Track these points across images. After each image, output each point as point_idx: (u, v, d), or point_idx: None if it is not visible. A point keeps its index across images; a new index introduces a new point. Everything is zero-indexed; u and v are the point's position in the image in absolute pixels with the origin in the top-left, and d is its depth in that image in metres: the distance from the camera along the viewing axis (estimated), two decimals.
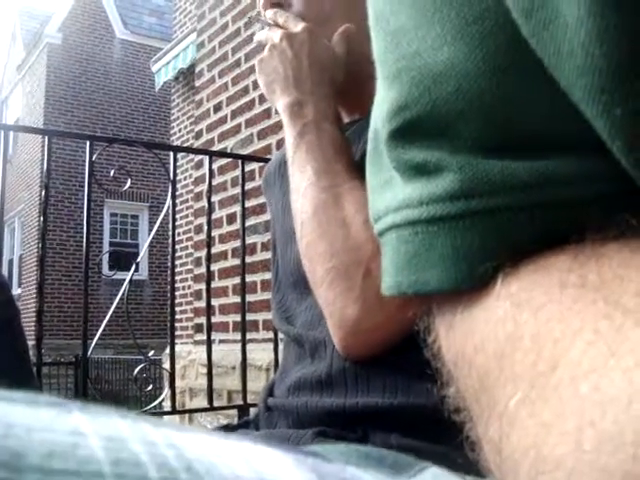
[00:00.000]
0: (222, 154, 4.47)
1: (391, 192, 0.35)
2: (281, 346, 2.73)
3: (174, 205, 2.77)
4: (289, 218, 1.02)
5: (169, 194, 2.75)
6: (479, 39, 0.30)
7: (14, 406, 0.23)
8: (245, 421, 1.06)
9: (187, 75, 8.16)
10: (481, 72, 0.30)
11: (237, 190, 3.44)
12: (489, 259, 0.30)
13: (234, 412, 3.16)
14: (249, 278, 3.65)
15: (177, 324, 3.35)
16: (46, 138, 2.48)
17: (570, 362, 0.24)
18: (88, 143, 2.51)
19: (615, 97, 0.27)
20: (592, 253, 0.27)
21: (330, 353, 0.90)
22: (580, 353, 0.24)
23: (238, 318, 3.23)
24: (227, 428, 1.03)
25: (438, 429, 0.56)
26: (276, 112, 4.31)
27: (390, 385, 0.84)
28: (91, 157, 2.50)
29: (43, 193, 2.49)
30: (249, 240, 3.95)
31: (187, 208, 7.57)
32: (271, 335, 3.23)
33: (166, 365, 3.24)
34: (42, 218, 2.54)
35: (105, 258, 12.09)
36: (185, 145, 7.93)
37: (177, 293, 5.87)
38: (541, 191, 0.29)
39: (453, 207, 0.31)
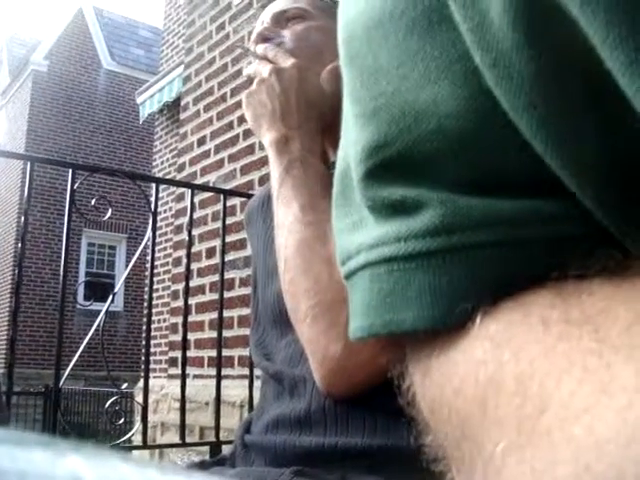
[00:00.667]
0: (204, 188, 4.46)
1: (363, 232, 0.34)
2: (256, 383, 2.71)
3: (154, 237, 2.75)
4: (271, 255, 1.02)
5: (149, 225, 2.74)
6: (463, 78, 0.30)
7: (2, 447, 0.21)
8: (221, 458, 1.05)
9: (171, 108, 8.18)
10: (463, 111, 0.30)
11: (218, 224, 3.43)
12: (468, 297, 0.29)
13: (206, 449, 3.11)
14: (226, 313, 3.62)
15: (151, 357, 3.31)
16: (28, 164, 2.46)
17: (559, 403, 0.23)
18: (70, 171, 2.50)
19: (576, 152, 0.28)
20: (574, 289, 0.27)
21: (310, 391, 0.89)
22: (569, 393, 0.23)
23: (213, 353, 3.20)
24: (202, 465, 1.01)
25: (418, 471, 0.54)
26: (260, 148, 4.32)
27: (369, 425, 0.84)
28: (72, 185, 2.48)
29: (22, 219, 2.46)
30: (227, 275, 3.93)
31: (166, 241, 7.54)
32: (246, 372, 3.20)
33: (139, 398, 3.19)
34: (20, 244, 2.51)
35: (81, 288, 12.00)
36: (167, 178, 7.93)
37: (152, 326, 5.82)
38: (522, 228, 0.29)
39: (433, 242, 0.30)
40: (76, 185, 2.51)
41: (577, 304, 0.26)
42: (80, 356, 2.73)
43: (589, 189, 0.28)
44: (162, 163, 8.69)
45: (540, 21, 0.26)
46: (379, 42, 0.33)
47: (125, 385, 3.43)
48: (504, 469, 0.25)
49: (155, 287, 7.03)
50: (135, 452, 3.11)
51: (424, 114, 0.31)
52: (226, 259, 3.19)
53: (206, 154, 5.02)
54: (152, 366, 5.59)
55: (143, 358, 2.78)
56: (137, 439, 2.87)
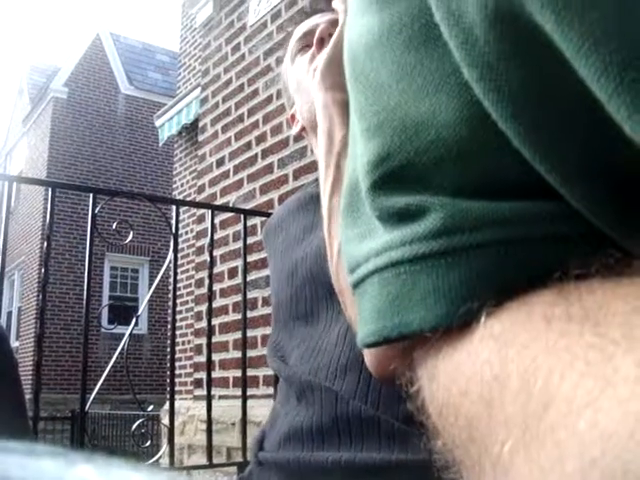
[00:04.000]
0: (224, 208, 4.48)
1: (372, 241, 0.35)
2: None
3: (176, 259, 2.76)
4: (287, 259, 1.02)
5: (171, 247, 2.75)
6: (457, 89, 0.31)
7: (11, 457, 0.21)
8: (240, 478, 1.04)
9: (190, 130, 8.24)
10: (459, 120, 0.31)
11: (239, 244, 3.44)
12: (472, 297, 0.30)
13: (233, 469, 3.11)
14: (250, 333, 3.62)
15: (176, 379, 3.31)
16: (50, 190, 2.48)
17: (563, 398, 0.23)
18: (91, 196, 2.52)
19: (564, 156, 0.29)
20: (575, 287, 0.27)
21: (318, 399, 0.88)
22: (572, 387, 0.23)
23: (238, 373, 3.20)
24: None
25: None
26: (279, 167, 4.33)
27: (386, 438, 0.82)
28: (94, 210, 2.50)
29: (45, 245, 2.48)
30: (250, 295, 3.94)
31: (188, 262, 7.57)
32: (271, 391, 3.20)
33: (165, 421, 3.20)
34: (43, 270, 2.53)
35: (104, 312, 12.05)
36: (187, 199, 7.96)
37: (177, 348, 5.84)
38: (523, 227, 0.30)
39: (435, 244, 0.31)
40: (97, 209, 2.53)
41: (578, 301, 0.27)
42: (105, 380, 2.74)
43: (576, 192, 0.29)
44: (182, 185, 8.73)
45: (522, 35, 0.28)
46: (380, 59, 0.35)
47: (151, 408, 3.44)
48: (512, 469, 0.25)
49: (178, 309, 7.05)
50: None
51: (423, 125, 0.32)
52: (248, 279, 3.20)
53: (225, 175, 5.04)
54: (177, 388, 5.61)
55: (168, 380, 2.78)
56: (164, 461, 2.86)
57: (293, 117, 1.15)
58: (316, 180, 1.20)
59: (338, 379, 0.88)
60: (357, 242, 0.37)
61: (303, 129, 1.11)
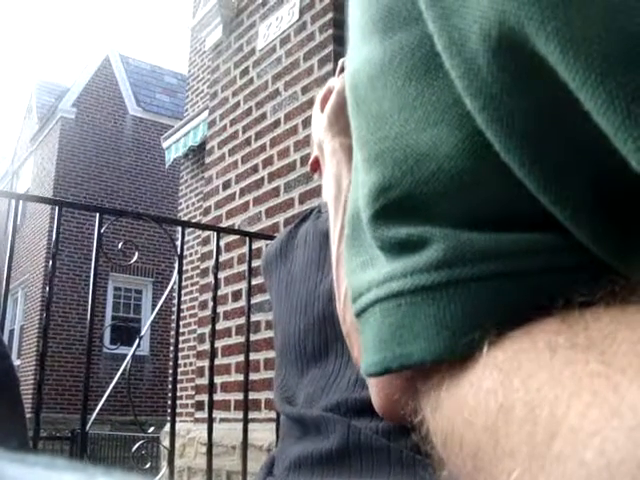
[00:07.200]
0: (230, 231, 4.48)
1: (374, 270, 0.35)
2: None
3: (180, 280, 2.76)
4: (294, 293, 1.02)
5: (176, 269, 2.75)
6: (459, 121, 0.31)
7: (33, 470, 0.21)
8: None
9: (196, 152, 8.27)
10: (461, 152, 0.31)
11: (243, 267, 3.44)
12: (473, 328, 0.30)
13: None
14: (253, 356, 3.61)
15: (177, 401, 3.30)
16: (56, 208, 2.48)
17: (570, 427, 0.23)
18: (97, 215, 2.52)
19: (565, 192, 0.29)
20: (580, 315, 0.27)
21: (332, 428, 0.88)
22: (579, 416, 0.23)
23: (240, 396, 3.18)
24: None
25: None
26: (285, 190, 4.33)
27: (396, 466, 0.82)
28: (99, 229, 2.50)
29: (50, 263, 2.48)
30: (254, 318, 3.93)
31: (192, 284, 7.56)
32: (273, 415, 3.18)
33: (165, 443, 3.17)
34: (48, 288, 2.53)
35: (107, 332, 12.03)
36: (192, 221, 7.98)
37: (179, 370, 5.82)
38: (524, 259, 0.30)
39: (437, 276, 0.31)
40: (103, 229, 2.53)
41: (582, 329, 0.26)
42: (106, 400, 2.73)
43: (580, 222, 0.29)
44: (188, 207, 8.75)
45: (526, 65, 0.28)
46: (381, 89, 0.35)
47: (151, 429, 3.42)
48: None
49: (181, 331, 7.04)
50: None
51: (425, 156, 0.32)
52: (252, 302, 3.19)
53: (231, 197, 5.05)
54: (178, 410, 5.58)
55: (169, 402, 2.77)
56: None
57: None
58: (324, 212, 1.19)
59: (351, 418, 0.88)
60: (359, 271, 0.37)
61: (316, 160, 1.09)
